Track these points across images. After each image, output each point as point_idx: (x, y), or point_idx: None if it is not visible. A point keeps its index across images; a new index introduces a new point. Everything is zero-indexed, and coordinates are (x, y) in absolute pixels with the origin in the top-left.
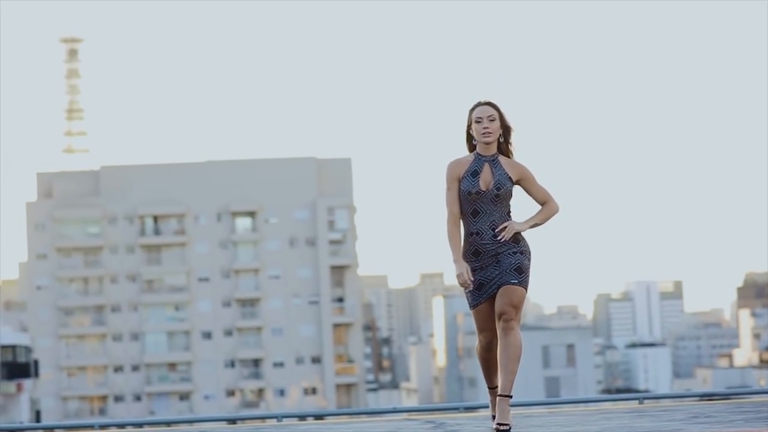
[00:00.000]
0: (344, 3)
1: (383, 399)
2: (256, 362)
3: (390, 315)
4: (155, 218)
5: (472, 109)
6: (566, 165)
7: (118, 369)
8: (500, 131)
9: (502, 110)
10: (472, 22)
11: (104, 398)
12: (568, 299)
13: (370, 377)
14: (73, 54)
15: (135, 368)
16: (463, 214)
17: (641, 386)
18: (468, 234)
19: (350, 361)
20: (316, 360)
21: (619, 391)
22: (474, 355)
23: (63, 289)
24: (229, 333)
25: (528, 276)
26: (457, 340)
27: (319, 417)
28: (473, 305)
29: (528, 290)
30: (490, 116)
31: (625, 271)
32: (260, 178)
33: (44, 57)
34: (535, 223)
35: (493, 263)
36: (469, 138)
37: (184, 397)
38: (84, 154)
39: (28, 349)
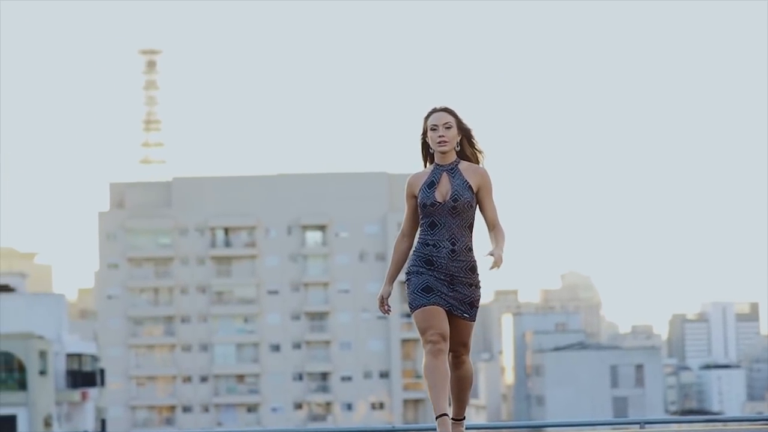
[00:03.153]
0: (418, 20)
1: None
2: (324, 376)
3: None
4: (226, 230)
5: (427, 117)
6: (644, 185)
7: (187, 380)
8: (458, 138)
9: (459, 115)
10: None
11: (172, 408)
12: (642, 319)
13: None
14: (151, 65)
15: (204, 379)
16: (421, 225)
17: (714, 408)
18: (423, 243)
19: (418, 376)
20: (384, 375)
21: (691, 412)
22: (542, 373)
23: (133, 299)
24: (297, 346)
25: (477, 310)
26: (526, 357)
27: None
28: (415, 307)
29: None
30: (446, 123)
31: (700, 291)
32: (331, 192)
33: (123, 68)
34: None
35: (447, 282)
36: (425, 146)
37: (251, 409)
38: (160, 165)
39: (94, 358)
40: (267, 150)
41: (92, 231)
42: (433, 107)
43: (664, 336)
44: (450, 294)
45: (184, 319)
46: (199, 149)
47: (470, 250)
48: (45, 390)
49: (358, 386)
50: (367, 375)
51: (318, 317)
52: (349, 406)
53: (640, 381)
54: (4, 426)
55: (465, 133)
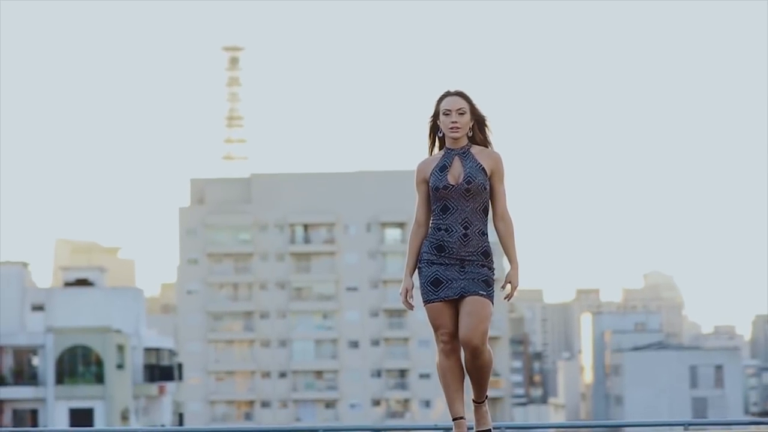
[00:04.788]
0: (495, 22)
1: (532, 414)
2: (403, 373)
3: (544, 330)
4: (305, 227)
5: (440, 100)
6: (728, 185)
7: (266, 375)
8: (470, 124)
9: (473, 101)
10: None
11: (251, 404)
12: (725, 319)
13: (521, 392)
14: (234, 62)
15: (282, 375)
16: (433, 211)
17: None
18: (436, 229)
19: (496, 374)
20: None
21: None
22: (620, 373)
23: (213, 295)
24: (376, 343)
25: (494, 292)
26: (605, 357)
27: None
28: (426, 301)
29: (493, 305)
30: (459, 109)
31: None
32: (410, 190)
33: (206, 65)
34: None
35: (458, 266)
36: (433, 129)
37: (329, 405)
38: (242, 162)
39: (172, 353)
40: (347, 147)
41: (174, 227)
42: (446, 90)
43: (747, 337)
44: (461, 277)
45: (263, 315)
46: (280, 146)
47: (483, 234)
48: (122, 384)
49: (436, 384)
50: None
51: (396, 314)
52: (427, 404)
53: (719, 382)
54: (82, 419)
55: (478, 120)
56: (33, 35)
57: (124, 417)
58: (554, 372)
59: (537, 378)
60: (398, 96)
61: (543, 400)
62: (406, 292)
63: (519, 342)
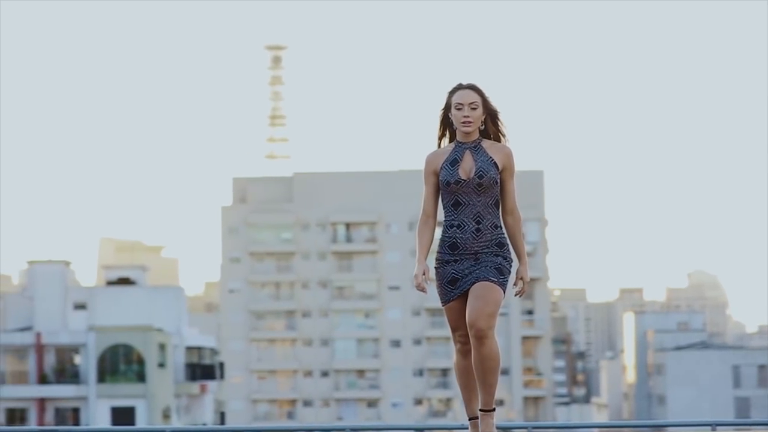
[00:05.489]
0: (548, 21)
1: (575, 413)
2: (445, 372)
3: (588, 329)
4: (347, 226)
5: (452, 92)
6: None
7: (308, 374)
8: (482, 118)
9: (486, 94)
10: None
11: (293, 402)
12: None
13: (563, 391)
14: (277, 61)
15: (324, 374)
16: (444, 206)
17: None
18: (448, 226)
19: (539, 374)
20: (504, 372)
21: None
22: (663, 372)
23: (255, 294)
24: (418, 342)
25: (507, 281)
26: (647, 356)
27: (505, 429)
28: (444, 301)
29: (505, 296)
30: (472, 103)
31: None
32: None
33: (249, 64)
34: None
35: (471, 260)
36: (444, 122)
37: (372, 404)
38: (285, 160)
39: (213, 351)
40: (389, 146)
41: (216, 225)
42: (459, 83)
43: None
44: (475, 267)
45: (305, 314)
46: (323, 144)
47: (496, 227)
48: (164, 382)
49: None
50: None
51: (439, 313)
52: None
53: (763, 381)
54: (124, 417)
55: (491, 113)
56: (75, 34)
57: (166, 415)
58: (597, 371)
59: (580, 377)
60: (441, 94)
61: (586, 399)
62: (423, 273)
63: (562, 341)
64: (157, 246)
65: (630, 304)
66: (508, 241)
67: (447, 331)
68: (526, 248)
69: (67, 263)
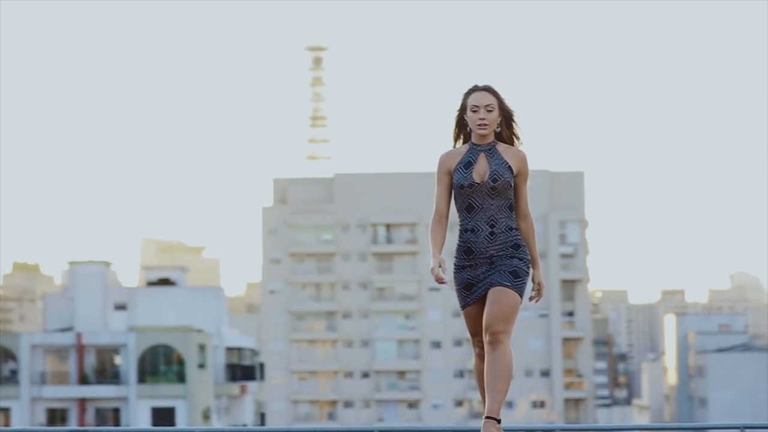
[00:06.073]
0: (590, 23)
1: (616, 415)
2: None
3: (629, 331)
4: (387, 227)
5: (468, 94)
6: None
7: (348, 375)
8: (498, 120)
9: (502, 96)
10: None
11: (334, 403)
12: None
13: (605, 393)
14: (318, 62)
15: (365, 375)
16: (458, 210)
17: None
18: (463, 230)
19: (579, 375)
20: (545, 373)
21: None
22: (704, 374)
23: (295, 294)
24: (458, 343)
25: (524, 283)
26: (688, 358)
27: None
28: (462, 306)
29: (522, 299)
30: (487, 105)
31: None
32: None
33: (290, 65)
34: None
35: (487, 264)
36: (459, 124)
37: (412, 405)
38: (326, 161)
39: (253, 352)
40: (429, 147)
41: (257, 226)
42: (474, 84)
43: None
44: (490, 272)
45: (346, 315)
46: (363, 145)
47: (511, 229)
48: (204, 383)
49: (519, 384)
50: (528, 373)
51: None
52: (510, 404)
53: None
54: (164, 417)
55: (506, 115)
56: (120, 36)
57: (206, 416)
58: (639, 373)
59: (622, 379)
60: None
61: (627, 401)
62: (440, 264)
63: (603, 343)
64: (199, 246)
65: (672, 306)
66: (523, 243)
67: None
68: (567, 250)
69: (108, 264)
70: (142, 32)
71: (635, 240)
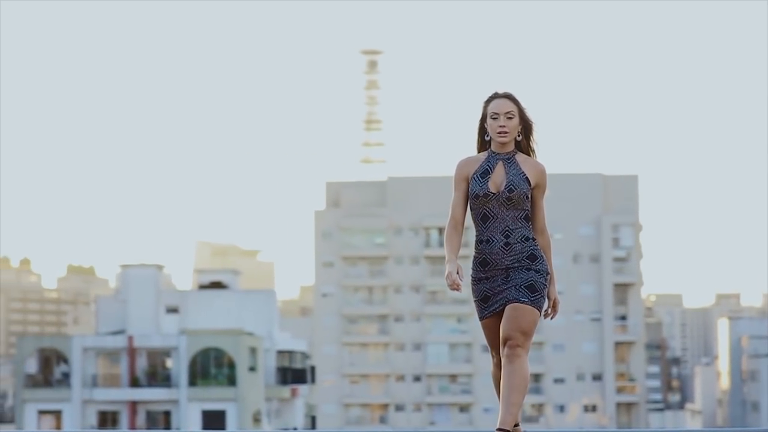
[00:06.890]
0: (644, 27)
1: (668, 419)
2: (537, 377)
3: (684, 335)
4: (440, 230)
5: (488, 102)
6: None
7: (400, 378)
8: (519, 128)
9: (522, 104)
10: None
11: (385, 407)
12: None
13: (658, 396)
14: (372, 65)
15: (416, 378)
16: (474, 220)
17: None
18: (478, 241)
19: (632, 379)
20: (597, 377)
21: None
22: (758, 378)
23: (348, 298)
24: None
25: (542, 297)
26: (742, 362)
27: None
28: (480, 318)
29: (541, 313)
30: (508, 113)
31: None
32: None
33: (345, 68)
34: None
35: (502, 276)
36: (482, 132)
37: (464, 409)
38: (380, 165)
39: (304, 355)
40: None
41: (310, 230)
42: (494, 92)
43: None
44: (505, 287)
45: (398, 318)
46: (418, 149)
47: (527, 239)
48: (254, 386)
49: (571, 388)
50: (580, 377)
51: None
52: (562, 408)
53: None
54: (214, 420)
55: (525, 125)
56: (171, 40)
57: (256, 419)
58: (692, 377)
59: (675, 383)
60: (533, 99)
61: (680, 405)
62: (457, 271)
63: (656, 347)
64: (253, 250)
65: (727, 310)
66: (541, 253)
67: (539, 337)
68: (620, 253)
69: (160, 267)
70: (199, 36)
71: (690, 243)
